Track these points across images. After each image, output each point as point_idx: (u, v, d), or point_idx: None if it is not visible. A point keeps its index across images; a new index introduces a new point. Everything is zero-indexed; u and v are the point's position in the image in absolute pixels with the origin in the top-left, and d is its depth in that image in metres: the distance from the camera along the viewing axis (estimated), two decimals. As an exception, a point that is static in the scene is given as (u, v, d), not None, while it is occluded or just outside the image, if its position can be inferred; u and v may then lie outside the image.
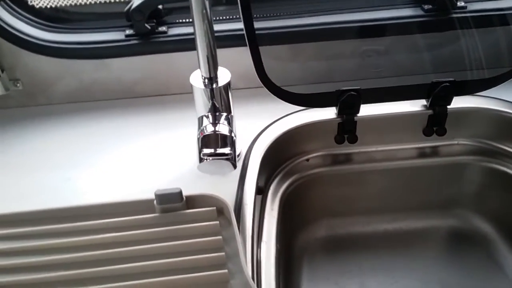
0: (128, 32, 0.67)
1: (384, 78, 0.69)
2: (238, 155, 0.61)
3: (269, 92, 0.61)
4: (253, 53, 0.58)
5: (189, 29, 0.66)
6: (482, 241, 0.70)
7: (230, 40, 0.66)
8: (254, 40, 0.57)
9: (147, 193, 0.51)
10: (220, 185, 0.57)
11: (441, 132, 0.66)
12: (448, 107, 0.64)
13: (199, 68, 0.52)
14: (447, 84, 0.61)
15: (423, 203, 0.72)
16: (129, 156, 0.62)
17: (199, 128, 0.53)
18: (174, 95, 0.71)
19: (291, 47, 0.69)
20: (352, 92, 0.61)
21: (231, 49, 0.67)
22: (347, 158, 0.68)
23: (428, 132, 0.66)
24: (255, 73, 0.59)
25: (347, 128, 0.65)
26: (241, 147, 0.62)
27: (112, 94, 0.71)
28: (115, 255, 0.47)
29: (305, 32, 0.67)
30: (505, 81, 0.63)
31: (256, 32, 0.56)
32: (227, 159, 0.50)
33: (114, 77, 0.69)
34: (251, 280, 0.43)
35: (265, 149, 0.62)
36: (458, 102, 0.64)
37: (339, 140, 0.66)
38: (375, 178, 0.69)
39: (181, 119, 0.67)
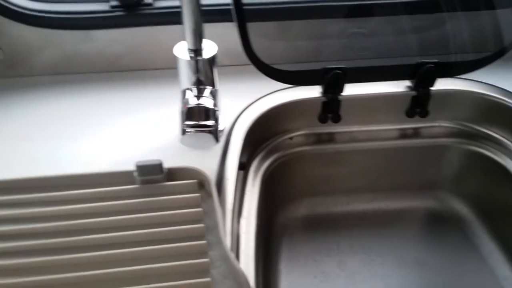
0: (113, 3, 0.66)
1: (369, 59, 0.69)
2: (221, 131, 0.61)
3: (255, 70, 0.60)
4: (240, 29, 0.57)
5: (176, 2, 0.65)
6: (459, 222, 0.71)
7: (216, 15, 0.65)
8: (241, 16, 0.56)
9: (129, 166, 0.51)
10: (202, 159, 0.56)
11: (424, 114, 0.67)
12: (431, 89, 0.64)
13: (185, 39, 0.51)
14: (431, 65, 0.62)
15: (403, 184, 0.73)
16: (111, 129, 0.62)
17: (182, 100, 0.53)
18: (159, 69, 0.71)
19: (278, 24, 0.68)
20: (337, 71, 0.61)
21: (217, 24, 0.66)
22: (330, 138, 0.68)
23: (410, 113, 0.67)
24: (241, 50, 0.59)
25: (331, 107, 0.65)
26: (224, 123, 0.62)
27: (96, 67, 0.70)
28: (95, 225, 0.46)
29: (293, 9, 0.67)
30: (487, 64, 0.64)
31: (244, 7, 0.55)
32: (209, 131, 0.50)
33: (98, 49, 0.68)
34: (229, 251, 0.44)
35: (248, 126, 0.61)
36: (442, 85, 0.65)
37: (322, 119, 0.67)
38: (357, 158, 0.69)
39: (166, 95, 0.66)
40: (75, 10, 0.66)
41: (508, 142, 0.67)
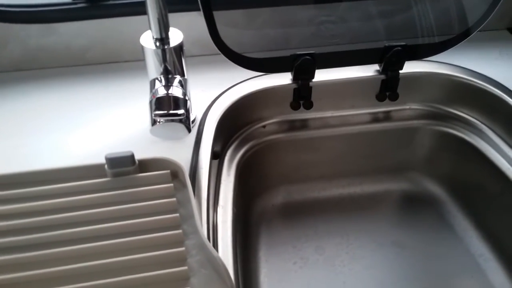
0: (75, -6, 0.64)
1: (339, 45, 0.69)
2: (193, 121, 0.60)
3: (225, 59, 0.60)
4: (207, 18, 0.56)
5: (140, -8, 0.64)
6: (433, 202, 0.72)
7: (182, 4, 0.64)
8: (207, 4, 0.55)
9: (101, 159, 0.49)
10: (175, 150, 0.56)
11: (394, 97, 0.68)
12: (400, 72, 0.65)
13: (150, 28, 0.50)
14: (399, 48, 0.62)
15: (377, 168, 0.73)
16: (80, 124, 0.60)
17: (151, 91, 0.52)
18: (126, 62, 0.69)
19: (245, 12, 0.68)
20: (307, 57, 0.61)
21: (183, 14, 0.65)
22: (303, 124, 0.68)
23: (381, 97, 0.68)
24: (209, 39, 0.58)
25: (302, 94, 0.65)
26: (196, 113, 0.61)
27: (61, 61, 0.68)
28: (68, 219, 0.45)
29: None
30: (453, 45, 0.65)
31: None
32: (179, 120, 0.49)
33: (62, 43, 0.67)
34: (206, 239, 0.43)
35: (220, 115, 0.61)
36: (410, 67, 0.65)
37: (295, 106, 0.67)
38: (330, 144, 0.70)
39: (134, 87, 0.65)
40: (36, 3, 0.64)
41: (477, 122, 0.68)
